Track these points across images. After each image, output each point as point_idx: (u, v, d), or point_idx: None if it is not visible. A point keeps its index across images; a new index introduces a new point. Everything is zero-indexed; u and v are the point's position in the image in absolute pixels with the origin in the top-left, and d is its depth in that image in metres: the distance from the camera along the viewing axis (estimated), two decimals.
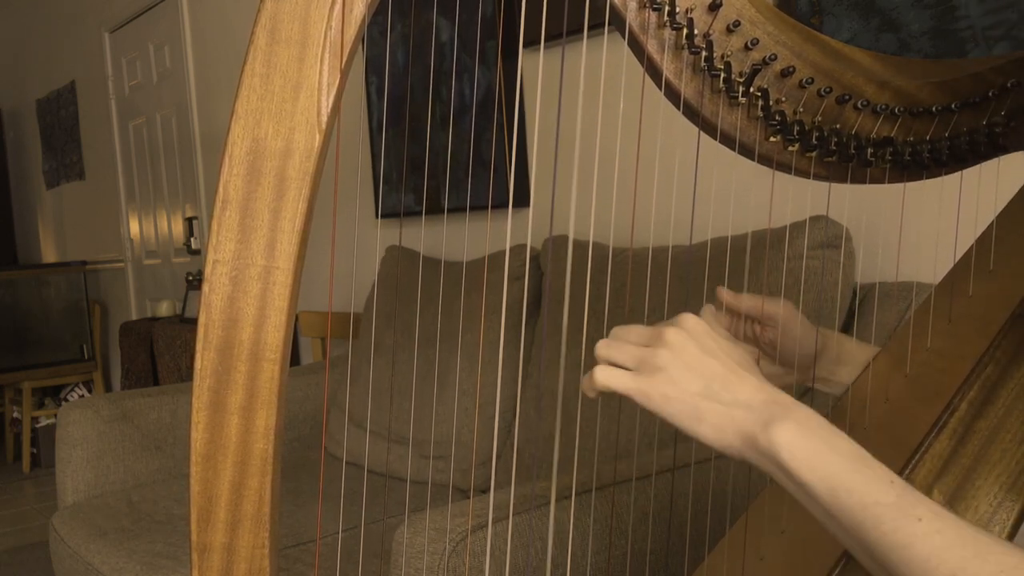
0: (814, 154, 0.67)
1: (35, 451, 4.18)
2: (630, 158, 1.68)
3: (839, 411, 0.74)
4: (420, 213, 2.53)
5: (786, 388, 0.80)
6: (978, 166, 0.71)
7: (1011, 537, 0.60)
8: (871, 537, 0.47)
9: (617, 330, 0.56)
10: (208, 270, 0.52)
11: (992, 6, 1.34)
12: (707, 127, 0.66)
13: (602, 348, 0.55)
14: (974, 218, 0.76)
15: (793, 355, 0.77)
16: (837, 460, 0.49)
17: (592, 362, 0.56)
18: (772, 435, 0.50)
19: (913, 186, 0.72)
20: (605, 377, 0.54)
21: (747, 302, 0.75)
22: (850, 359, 0.78)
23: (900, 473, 0.63)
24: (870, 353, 0.77)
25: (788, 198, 1.40)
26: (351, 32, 0.52)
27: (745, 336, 0.78)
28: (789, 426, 0.50)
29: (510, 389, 1.86)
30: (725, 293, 0.75)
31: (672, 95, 0.64)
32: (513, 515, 1.09)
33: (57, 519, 1.87)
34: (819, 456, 0.49)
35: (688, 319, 0.55)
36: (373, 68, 2.56)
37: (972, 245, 0.75)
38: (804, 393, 0.94)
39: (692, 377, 0.52)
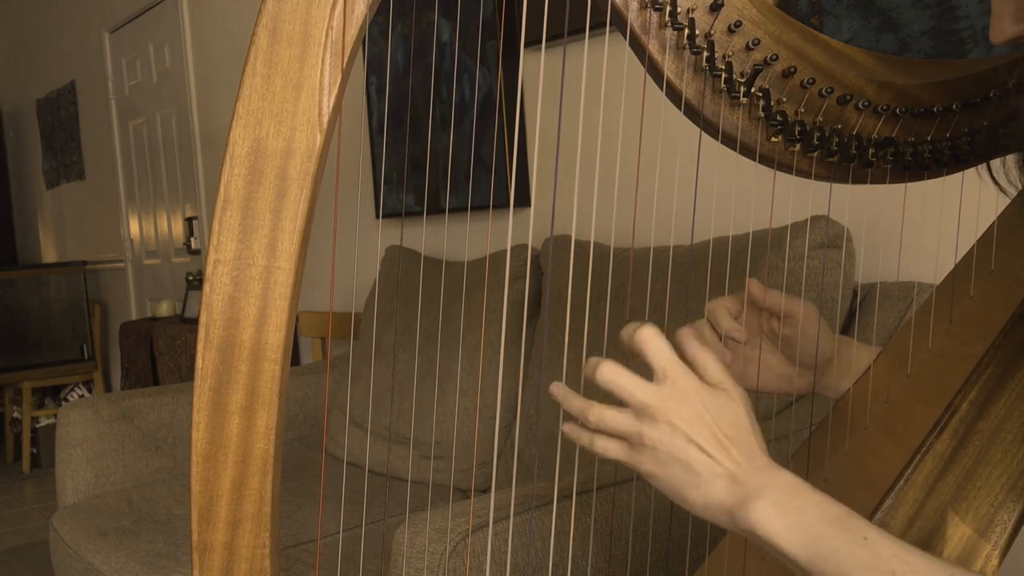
0: (815, 154, 0.67)
1: (35, 451, 4.18)
2: (631, 158, 1.68)
3: (840, 411, 0.74)
4: (421, 213, 2.53)
5: (798, 392, 0.80)
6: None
7: (1012, 538, 0.60)
8: None
9: (609, 371, 0.56)
10: (209, 270, 0.52)
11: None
12: (708, 127, 0.65)
13: (593, 417, 0.57)
14: (975, 218, 0.76)
15: (808, 356, 0.78)
16: (812, 532, 0.52)
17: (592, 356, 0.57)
18: (749, 513, 0.53)
19: (914, 186, 0.72)
20: (602, 448, 0.57)
21: (772, 298, 0.76)
22: (858, 369, 0.78)
23: (901, 474, 0.63)
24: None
25: (789, 198, 1.40)
26: (352, 32, 0.52)
27: (762, 329, 0.78)
28: (764, 506, 0.53)
29: (511, 389, 1.86)
30: (755, 286, 0.75)
31: (673, 95, 0.64)
32: (513, 515, 1.09)
33: (57, 519, 1.87)
34: (795, 531, 0.52)
35: (671, 373, 0.55)
36: (374, 68, 2.56)
37: (973, 246, 0.75)
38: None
39: (674, 460, 0.55)
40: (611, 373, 0.56)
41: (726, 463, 0.54)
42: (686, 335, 0.60)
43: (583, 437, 0.58)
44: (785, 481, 0.54)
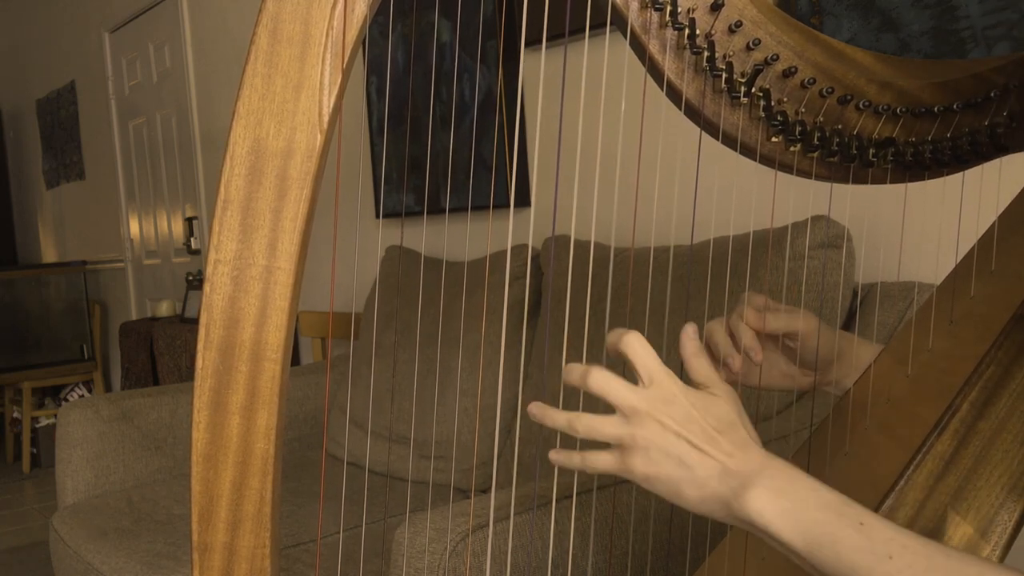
0: (816, 154, 0.67)
1: (35, 451, 4.18)
2: (631, 158, 1.68)
3: (840, 411, 0.74)
4: (421, 213, 2.53)
5: (802, 388, 0.80)
6: (980, 167, 0.71)
7: (1012, 538, 0.60)
8: None
9: (599, 377, 0.56)
10: (209, 270, 0.52)
11: (992, 6, 1.34)
12: (709, 127, 0.65)
13: (581, 427, 0.57)
14: (976, 218, 0.76)
15: (811, 362, 0.78)
16: (808, 517, 0.52)
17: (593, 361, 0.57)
18: (745, 503, 0.53)
19: (915, 186, 0.72)
20: (592, 462, 0.57)
21: (773, 323, 0.75)
22: (862, 365, 0.78)
23: (902, 474, 0.63)
24: None
25: (789, 198, 1.40)
26: (352, 32, 0.52)
27: (763, 341, 0.78)
28: (760, 492, 0.53)
29: (511, 389, 1.86)
30: (752, 317, 0.74)
31: (674, 95, 0.64)
32: (513, 515, 1.09)
33: (57, 519, 1.87)
34: (791, 517, 0.52)
35: (656, 377, 0.56)
36: (374, 68, 2.56)
37: (974, 246, 0.75)
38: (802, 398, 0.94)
39: (667, 457, 0.55)
40: (601, 379, 0.56)
41: (717, 455, 0.55)
42: (687, 335, 0.61)
43: (574, 459, 0.57)
44: (779, 468, 0.54)
